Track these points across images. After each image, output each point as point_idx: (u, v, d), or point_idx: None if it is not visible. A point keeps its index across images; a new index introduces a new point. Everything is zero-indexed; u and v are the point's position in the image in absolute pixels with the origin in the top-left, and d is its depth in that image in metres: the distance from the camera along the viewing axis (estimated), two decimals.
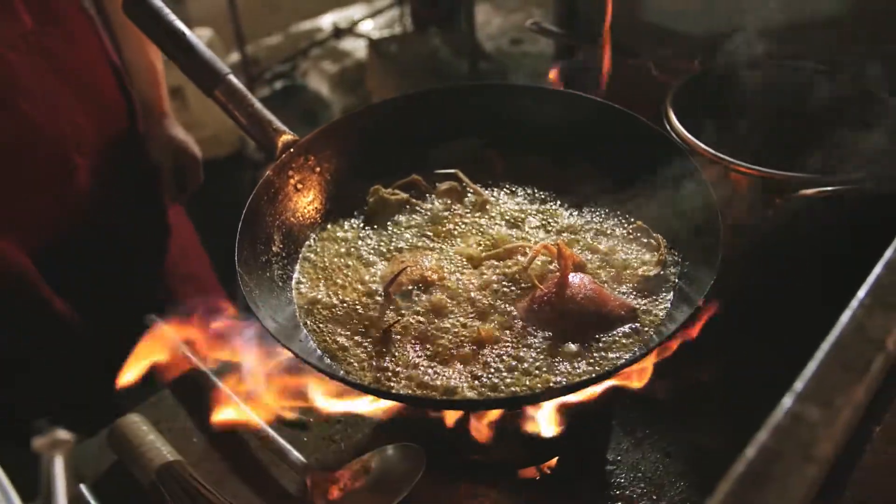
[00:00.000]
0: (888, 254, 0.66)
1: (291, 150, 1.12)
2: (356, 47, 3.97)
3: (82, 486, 1.13)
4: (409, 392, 0.90)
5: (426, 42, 2.92)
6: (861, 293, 0.63)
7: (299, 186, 1.14)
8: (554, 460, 1.11)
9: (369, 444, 1.16)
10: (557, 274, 0.97)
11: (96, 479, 1.18)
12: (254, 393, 1.26)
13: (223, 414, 1.15)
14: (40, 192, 1.51)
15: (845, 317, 0.60)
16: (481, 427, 1.01)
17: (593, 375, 0.87)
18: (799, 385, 0.55)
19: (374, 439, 1.18)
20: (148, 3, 1.13)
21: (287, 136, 1.12)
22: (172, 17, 1.14)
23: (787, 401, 0.53)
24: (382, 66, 3.00)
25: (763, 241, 1.22)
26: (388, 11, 4.28)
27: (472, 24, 2.69)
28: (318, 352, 0.96)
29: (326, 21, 4.28)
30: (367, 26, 4.16)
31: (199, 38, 2.80)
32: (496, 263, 1.04)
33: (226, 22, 3.42)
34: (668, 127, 1.24)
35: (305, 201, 1.14)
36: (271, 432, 1.17)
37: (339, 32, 3.94)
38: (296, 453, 1.13)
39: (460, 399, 0.88)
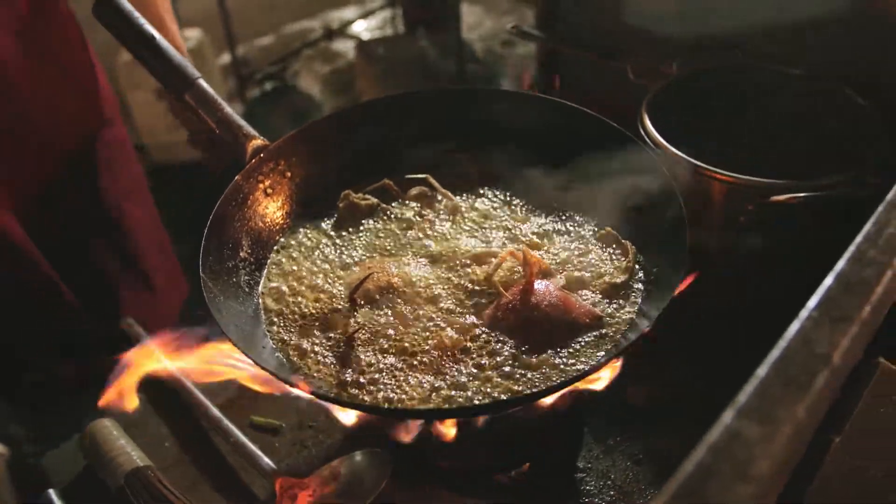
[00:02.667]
0: (840, 265, 0.66)
1: (261, 154, 1.11)
2: (348, 48, 3.96)
3: (51, 492, 1.13)
4: (371, 400, 0.89)
5: (414, 44, 2.91)
6: (811, 304, 0.62)
7: (269, 191, 1.13)
8: (524, 467, 1.11)
9: (341, 450, 1.16)
10: (524, 281, 0.97)
11: (67, 484, 1.17)
12: (224, 396, 1.27)
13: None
14: (33, 180, 1.53)
15: (792, 329, 0.59)
16: (448, 434, 1.01)
17: (552, 384, 0.86)
18: (740, 400, 0.54)
19: (345, 445, 1.18)
20: (117, 6, 1.13)
21: (257, 141, 1.11)
22: (142, 20, 1.14)
23: (727, 416, 0.53)
24: (371, 67, 2.99)
25: (736, 247, 1.21)
26: (380, 13, 4.26)
27: (459, 25, 2.67)
28: (282, 359, 0.96)
29: (319, 22, 4.27)
30: (359, 27, 4.15)
31: (188, 39, 2.82)
32: (463, 270, 1.03)
33: (217, 23, 3.41)
34: (642, 132, 1.24)
35: (275, 206, 1.14)
36: (242, 437, 1.16)
37: (330, 34, 3.93)
38: (265, 459, 1.12)
39: (418, 409, 0.87)
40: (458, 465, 1.10)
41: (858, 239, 0.68)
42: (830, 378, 0.57)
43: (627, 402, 1.19)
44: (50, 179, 1.55)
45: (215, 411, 1.21)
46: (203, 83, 1.13)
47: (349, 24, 4.12)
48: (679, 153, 1.18)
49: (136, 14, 1.13)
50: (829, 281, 0.64)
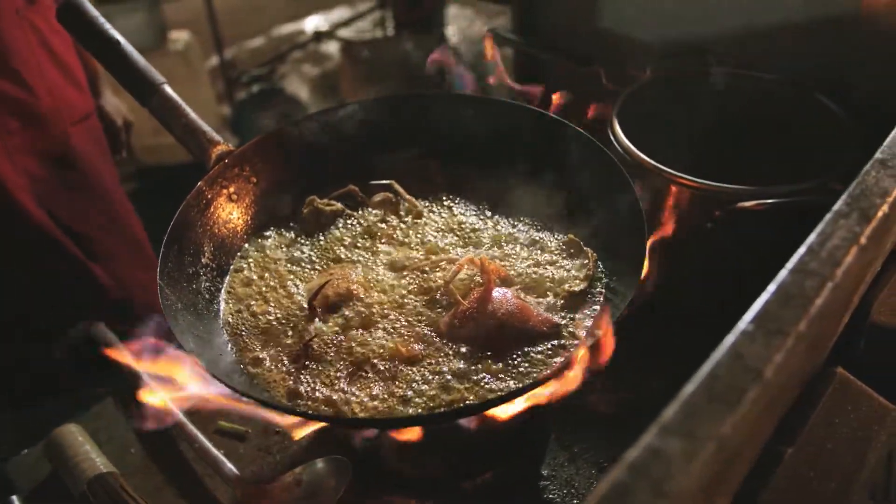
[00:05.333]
0: (781, 276, 0.65)
1: (226, 160, 1.11)
2: (336, 50, 3.95)
3: (14, 498, 1.13)
4: (325, 410, 0.89)
5: (399, 46, 2.91)
6: (747, 317, 0.61)
7: (234, 197, 1.13)
8: (487, 475, 1.10)
9: (305, 457, 1.15)
10: (482, 288, 0.96)
11: (31, 491, 1.17)
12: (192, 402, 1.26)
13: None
14: (40, 154, 1.61)
15: (725, 343, 0.59)
16: (408, 441, 1.00)
17: (506, 393, 0.86)
18: (665, 416, 0.53)
19: (310, 452, 1.17)
20: (83, 11, 1.13)
21: (221, 147, 1.11)
22: (108, 25, 1.13)
23: (650, 433, 0.52)
24: (355, 69, 2.99)
25: (703, 254, 1.20)
26: (370, 15, 4.25)
27: (443, 28, 2.67)
28: (239, 366, 0.95)
29: (309, 24, 4.26)
30: (349, 29, 4.13)
31: (176, 40, 2.85)
32: (423, 277, 1.02)
33: (207, 25, 3.40)
34: (612, 137, 1.23)
35: (239, 212, 1.13)
36: (206, 443, 1.16)
37: (318, 36, 3.91)
38: (229, 465, 1.12)
39: (370, 418, 0.87)
40: (421, 473, 1.09)
41: (801, 250, 0.67)
42: (762, 393, 0.56)
43: (593, 410, 1.18)
44: (53, 156, 1.64)
45: (181, 416, 1.21)
46: (167, 88, 1.12)
47: (339, 26, 4.11)
48: (647, 158, 1.17)
49: (101, 19, 1.13)
50: (768, 294, 0.63)
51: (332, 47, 4.01)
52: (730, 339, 0.59)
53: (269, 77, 3.73)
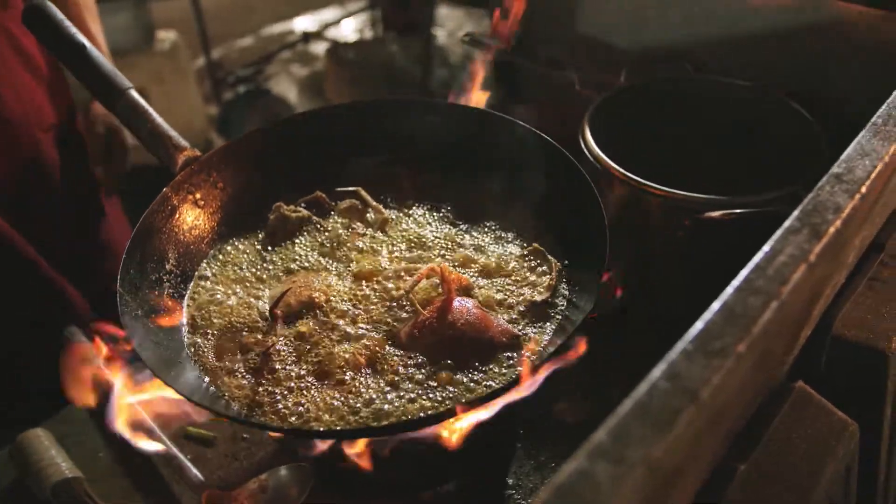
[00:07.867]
0: (726, 293, 0.64)
1: (192, 166, 1.10)
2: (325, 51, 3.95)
3: None
4: (283, 420, 0.88)
5: (384, 48, 2.90)
6: (688, 336, 0.61)
7: (201, 203, 1.12)
8: (452, 483, 1.10)
9: (272, 463, 1.15)
10: (442, 298, 0.96)
11: None
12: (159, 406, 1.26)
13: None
14: (12, 168, 1.55)
15: (664, 362, 0.58)
16: (370, 451, 1.00)
17: (462, 404, 0.85)
18: (596, 438, 0.53)
19: (276, 458, 1.17)
20: (48, 14, 1.12)
21: (188, 153, 1.11)
22: (73, 29, 1.13)
23: (580, 455, 0.52)
24: (339, 72, 2.98)
25: (674, 263, 1.20)
26: (359, 15, 4.23)
27: (430, 30, 2.67)
28: (200, 375, 0.95)
29: (298, 24, 4.24)
30: (338, 30, 4.11)
31: (163, 40, 2.82)
32: (385, 285, 1.02)
33: (195, 24, 3.39)
34: (582, 145, 1.23)
35: (205, 218, 1.13)
36: (173, 448, 1.16)
37: (307, 36, 3.89)
38: (194, 471, 1.12)
39: (328, 430, 0.87)
40: (384, 482, 1.09)
41: (748, 267, 0.67)
42: (698, 415, 0.55)
43: (560, 418, 1.18)
44: (20, 162, 1.58)
45: (149, 422, 1.21)
46: (134, 93, 1.12)
47: (328, 26, 4.09)
48: (616, 167, 1.17)
49: (67, 23, 1.13)
50: (711, 311, 0.62)
51: (321, 48, 4.00)
52: (669, 357, 0.59)
53: (255, 78, 3.71)
